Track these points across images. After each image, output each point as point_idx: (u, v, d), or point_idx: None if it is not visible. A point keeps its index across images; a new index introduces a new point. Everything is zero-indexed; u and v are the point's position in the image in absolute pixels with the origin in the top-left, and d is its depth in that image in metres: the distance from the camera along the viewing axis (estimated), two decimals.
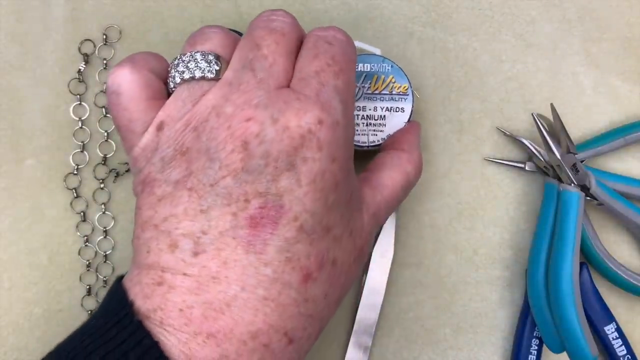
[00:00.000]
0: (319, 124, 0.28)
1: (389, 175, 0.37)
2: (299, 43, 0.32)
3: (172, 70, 0.30)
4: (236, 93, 0.28)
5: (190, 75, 0.29)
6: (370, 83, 0.42)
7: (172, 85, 0.31)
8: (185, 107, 0.29)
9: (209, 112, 0.28)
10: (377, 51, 0.45)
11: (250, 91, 0.29)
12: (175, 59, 0.31)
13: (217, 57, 0.30)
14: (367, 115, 0.42)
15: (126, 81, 0.29)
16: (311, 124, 0.28)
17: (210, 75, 0.29)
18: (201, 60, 0.30)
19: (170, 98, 0.30)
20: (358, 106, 0.42)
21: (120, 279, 0.31)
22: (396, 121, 0.42)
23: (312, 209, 0.28)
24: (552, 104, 0.43)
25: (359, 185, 0.33)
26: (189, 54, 0.30)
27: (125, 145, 0.31)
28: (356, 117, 0.42)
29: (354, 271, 0.33)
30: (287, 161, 0.28)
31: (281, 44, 0.30)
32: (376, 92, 0.42)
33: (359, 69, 0.42)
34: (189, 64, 0.30)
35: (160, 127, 0.29)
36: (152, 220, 0.28)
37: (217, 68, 0.30)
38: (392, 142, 0.40)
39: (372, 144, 0.42)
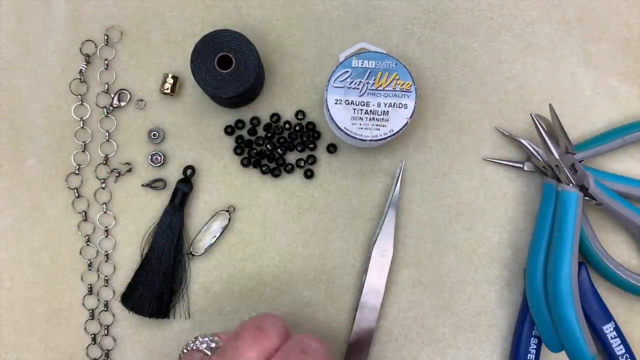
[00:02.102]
0: None
1: None
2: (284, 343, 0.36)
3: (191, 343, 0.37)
4: None
5: (195, 346, 0.36)
6: (374, 79, 0.43)
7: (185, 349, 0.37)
8: None
9: None
10: (382, 52, 0.45)
11: None
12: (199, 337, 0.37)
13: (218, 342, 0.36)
14: (370, 111, 0.42)
15: None
16: None
17: (206, 351, 0.36)
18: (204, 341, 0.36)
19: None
20: (362, 101, 0.42)
21: None
22: (399, 117, 0.42)
23: None
24: (550, 104, 0.43)
25: None
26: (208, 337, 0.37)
27: None
28: (360, 112, 0.42)
29: None
30: None
31: (259, 339, 0.34)
32: (380, 88, 0.43)
33: (364, 66, 0.43)
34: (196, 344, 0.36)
35: None
36: None
37: (214, 345, 0.36)
38: None
39: (374, 139, 0.42)
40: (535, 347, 0.44)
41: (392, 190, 0.46)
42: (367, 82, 0.43)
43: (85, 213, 0.46)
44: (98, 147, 0.46)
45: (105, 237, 0.46)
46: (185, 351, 0.36)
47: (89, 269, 0.46)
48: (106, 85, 0.47)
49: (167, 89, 0.46)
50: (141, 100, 0.47)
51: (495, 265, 0.46)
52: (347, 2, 0.47)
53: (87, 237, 0.46)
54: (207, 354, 0.35)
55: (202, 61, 0.42)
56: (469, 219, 0.46)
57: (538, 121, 0.42)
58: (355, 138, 0.42)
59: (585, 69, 0.47)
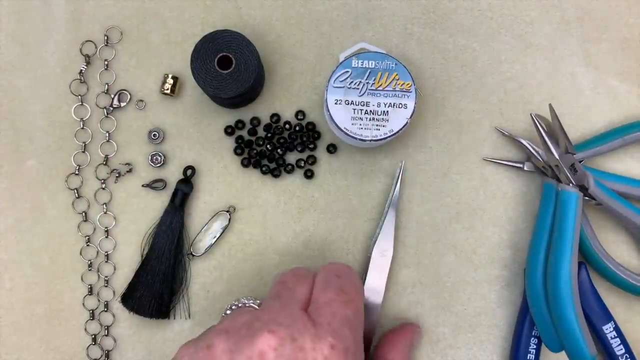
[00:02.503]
0: (331, 349, 0.33)
1: None
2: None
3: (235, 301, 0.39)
4: (265, 315, 0.34)
5: (240, 304, 0.38)
6: (374, 79, 0.43)
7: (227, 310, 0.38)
8: (228, 318, 0.35)
9: (240, 325, 0.34)
10: (382, 52, 0.45)
11: (275, 312, 0.35)
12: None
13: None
14: (370, 111, 0.42)
15: None
16: (324, 349, 0.33)
17: (254, 305, 0.38)
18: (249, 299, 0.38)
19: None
20: (362, 101, 0.42)
21: None
22: (399, 117, 0.42)
23: None
24: (550, 105, 0.43)
25: None
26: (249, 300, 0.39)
27: None
28: (360, 112, 0.42)
29: None
30: None
31: (301, 279, 0.38)
32: (380, 88, 0.43)
33: (364, 66, 0.43)
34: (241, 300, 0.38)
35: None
36: None
37: (258, 302, 0.38)
38: (382, 347, 0.42)
39: (374, 139, 0.42)
40: (535, 347, 0.44)
41: (392, 190, 0.46)
42: (367, 82, 0.43)
43: (86, 213, 0.46)
44: (98, 147, 0.46)
45: (106, 237, 0.46)
46: (229, 311, 0.38)
47: (89, 270, 0.46)
48: (106, 85, 0.47)
49: (167, 89, 0.46)
50: (141, 100, 0.47)
51: (495, 265, 0.46)
52: (347, 2, 0.48)
53: (87, 237, 0.46)
54: (255, 308, 0.37)
55: (202, 61, 0.42)
56: (469, 219, 0.46)
57: (538, 121, 0.42)
58: (355, 138, 0.42)
59: (585, 69, 0.47)
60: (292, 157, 0.47)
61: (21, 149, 0.46)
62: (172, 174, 0.46)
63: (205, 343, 0.33)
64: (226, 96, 0.42)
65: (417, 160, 0.47)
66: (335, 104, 0.42)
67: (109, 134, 0.46)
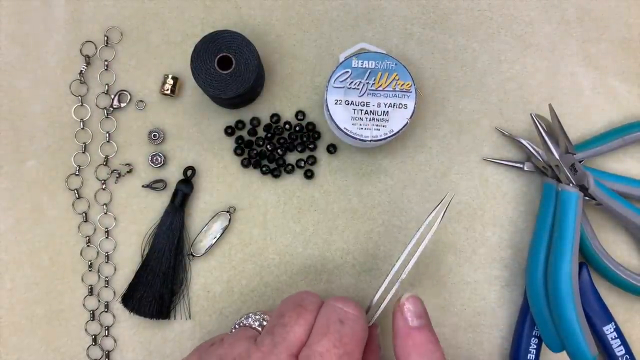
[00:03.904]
0: None
1: None
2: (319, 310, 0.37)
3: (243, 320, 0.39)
4: (256, 352, 0.34)
5: (247, 323, 0.38)
6: (374, 80, 0.43)
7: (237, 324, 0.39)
8: (230, 341, 0.36)
9: (233, 357, 0.35)
10: (382, 52, 0.45)
11: (265, 353, 0.34)
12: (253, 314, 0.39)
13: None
14: (370, 111, 0.42)
15: None
16: None
17: (257, 328, 0.37)
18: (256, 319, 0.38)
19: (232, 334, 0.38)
20: (362, 101, 0.42)
21: None
22: (399, 117, 0.42)
23: None
24: (550, 105, 0.43)
25: None
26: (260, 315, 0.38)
27: None
28: (360, 112, 0.42)
29: None
30: None
31: (301, 315, 0.36)
32: (380, 88, 0.43)
33: (364, 66, 0.43)
34: (249, 320, 0.38)
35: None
36: None
37: (265, 322, 0.38)
38: None
39: (374, 139, 0.42)
40: (535, 347, 0.44)
41: (434, 224, 0.40)
42: (367, 83, 0.43)
43: (86, 214, 0.46)
44: (98, 148, 0.46)
45: (106, 238, 0.46)
46: (237, 327, 0.38)
47: (90, 270, 0.46)
48: (106, 86, 0.47)
49: (167, 89, 0.46)
50: (141, 101, 0.47)
51: (496, 265, 0.46)
52: (347, 2, 0.48)
53: (87, 238, 0.46)
54: (258, 331, 0.37)
55: (202, 62, 0.42)
56: (468, 219, 0.46)
57: (538, 121, 0.42)
58: (355, 138, 0.42)
59: (585, 69, 0.47)
60: (292, 157, 0.47)
61: (21, 149, 0.46)
62: (172, 175, 0.46)
63: None
64: (226, 96, 0.42)
65: (417, 160, 0.47)
66: (335, 104, 0.42)
67: (109, 134, 0.46)
